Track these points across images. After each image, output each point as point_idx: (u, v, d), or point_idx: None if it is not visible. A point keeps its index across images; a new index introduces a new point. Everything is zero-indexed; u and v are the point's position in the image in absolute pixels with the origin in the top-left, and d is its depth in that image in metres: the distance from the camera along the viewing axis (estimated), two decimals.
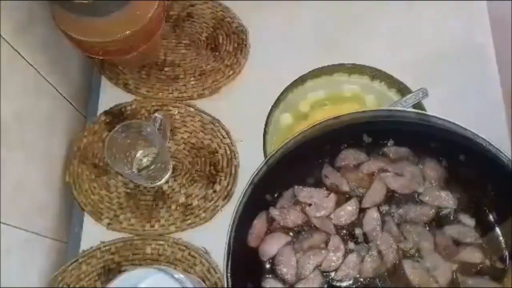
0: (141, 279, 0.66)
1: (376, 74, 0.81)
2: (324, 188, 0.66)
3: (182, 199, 0.81)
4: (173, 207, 0.80)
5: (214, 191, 0.81)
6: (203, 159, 0.83)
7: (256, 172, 0.60)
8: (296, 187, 0.65)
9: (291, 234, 0.65)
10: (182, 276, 0.64)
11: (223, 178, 0.81)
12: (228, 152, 0.83)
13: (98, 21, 0.73)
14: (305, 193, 0.65)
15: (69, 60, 0.89)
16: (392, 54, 0.88)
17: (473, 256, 0.62)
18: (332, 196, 0.64)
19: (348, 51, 0.88)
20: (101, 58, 0.81)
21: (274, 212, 0.64)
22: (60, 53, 0.85)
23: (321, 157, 0.67)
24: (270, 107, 0.78)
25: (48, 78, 0.81)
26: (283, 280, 0.62)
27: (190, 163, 0.83)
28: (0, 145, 0.68)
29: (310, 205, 0.65)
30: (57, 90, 0.84)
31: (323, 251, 0.62)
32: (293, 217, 0.64)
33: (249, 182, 0.60)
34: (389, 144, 0.66)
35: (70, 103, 0.88)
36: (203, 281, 0.75)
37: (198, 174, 0.82)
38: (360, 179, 0.65)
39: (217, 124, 0.85)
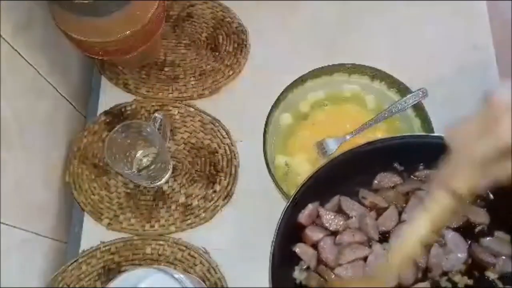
0: (141, 279, 0.66)
1: (376, 74, 0.81)
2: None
3: (182, 199, 0.81)
4: (173, 207, 0.80)
5: (214, 191, 0.81)
6: (203, 159, 0.83)
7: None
8: (341, 197, 0.67)
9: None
10: (182, 276, 0.64)
11: (223, 178, 0.81)
12: (228, 152, 0.83)
13: (98, 21, 0.73)
14: (348, 204, 0.67)
15: (69, 60, 0.89)
16: (392, 54, 0.88)
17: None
18: (374, 212, 0.67)
19: (348, 51, 0.88)
20: (101, 58, 0.81)
21: (322, 210, 0.66)
22: (60, 53, 0.85)
23: (355, 185, 0.69)
24: (270, 107, 0.78)
25: (48, 78, 0.81)
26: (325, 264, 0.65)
27: (190, 163, 0.83)
28: (0, 145, 0.68)
29: (351, 217, 0.66)
30: (57, 90, 0.84)
31: (366, 248, 0.64)
32: (336, 222, 0.66)
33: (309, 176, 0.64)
34: (419, 168, 0.68)
35: (70, 103, 0.88)
36: (203, 281, 0.75)
37: (198, 174, 0.82)
38: (396, 197, 0.67)
39: (217, 124, 0.85)
